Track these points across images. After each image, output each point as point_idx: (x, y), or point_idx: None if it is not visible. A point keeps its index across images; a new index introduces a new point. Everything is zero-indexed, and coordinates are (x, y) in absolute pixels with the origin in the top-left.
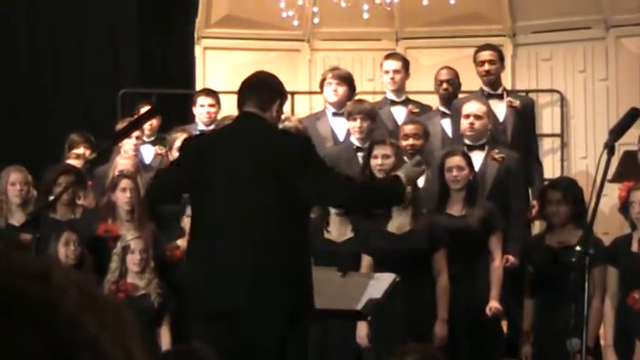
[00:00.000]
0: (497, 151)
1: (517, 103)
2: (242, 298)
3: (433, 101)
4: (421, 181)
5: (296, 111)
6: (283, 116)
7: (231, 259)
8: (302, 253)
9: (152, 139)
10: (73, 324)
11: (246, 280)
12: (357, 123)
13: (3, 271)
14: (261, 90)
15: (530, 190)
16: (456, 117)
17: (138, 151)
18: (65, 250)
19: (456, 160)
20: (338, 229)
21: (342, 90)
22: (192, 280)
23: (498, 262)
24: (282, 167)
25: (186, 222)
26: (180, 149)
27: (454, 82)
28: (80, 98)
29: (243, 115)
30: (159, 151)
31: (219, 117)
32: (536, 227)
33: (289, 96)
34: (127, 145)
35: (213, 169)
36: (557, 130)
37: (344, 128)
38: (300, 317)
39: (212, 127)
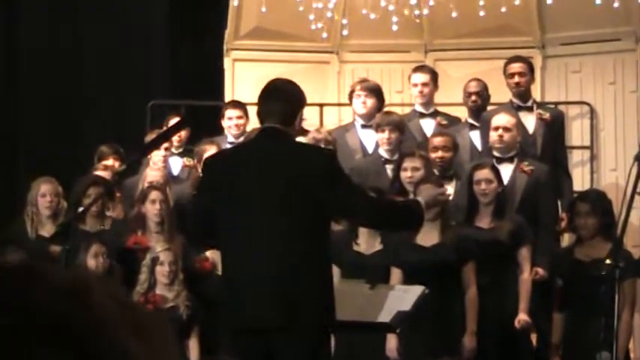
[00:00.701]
0: (526, 163)
1: (547, 115)
2: (270, 315)
3: (462, 113)
4: (450, 194)
5: (325, 123)
6: (313, 128)
7: (258, 275)
8: (326, 266)
9: (180, 150)
10: (115, 342)
11: (273, 296)
12: (386, 135)
13: (40, 289)
14: (283, 103)
15: (559, 203)
16: (485, 129)
17: (166, 162)
18: (94, 262)
19: (484, 173)
20: (367, 242)
21: (370, 102)
22: (222, 295)
23: (527, 275)
24: (306, 182)
25: None
26: (203, 170)
27: (483, 94)
28: (110, 110)
29: (265, 131)
30: (187, 163)
31: (248, 129)
32: (565, 240)
33: (318, 108)
34: (156, 156)
35: (237, 186)
36: (587, 143)
37: (373, 140)
38: (326, 330)
39: (241, 139)
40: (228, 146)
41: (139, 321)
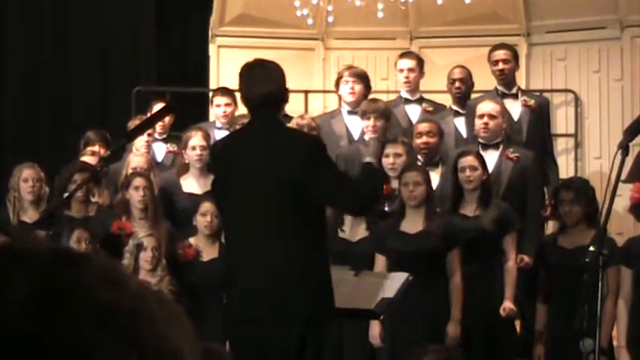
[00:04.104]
0: (512, 150)
1: (532, 102)
2: (260, 305)
3: (448, 101)
4: (435, 181)
5: (310, 109)
6: (297, 115)
7: (251, 266)
8: (318, 255)
9: (164, 136)
10: (159, 334)
11: (263, 287)
12: (371, 122)
13: (84, 273)
14: (269, 87)
15: (545, 190)
16: (470, 117)
17: (150, 148)
18: (77, 247)
19: (469, 161)
20: (352, 228)
21: (358, 88)
22: (223, 285)
23: (512, 263)
24: (292, 173)
25: (198, 220)
26: (210, 159)
27: (467, 81)
28: (95, 96)
29: (256, 119)
30: (170, 149)
31: (236, 114)
32: (550, 227)
33: (303, 94)
34: (139, 142)
35: (233, 176)
36: (572, 130)
37: (359, 126)
38: (318, 320)
39: (228, 126)
40: (217, 132)
41: (175, 314)
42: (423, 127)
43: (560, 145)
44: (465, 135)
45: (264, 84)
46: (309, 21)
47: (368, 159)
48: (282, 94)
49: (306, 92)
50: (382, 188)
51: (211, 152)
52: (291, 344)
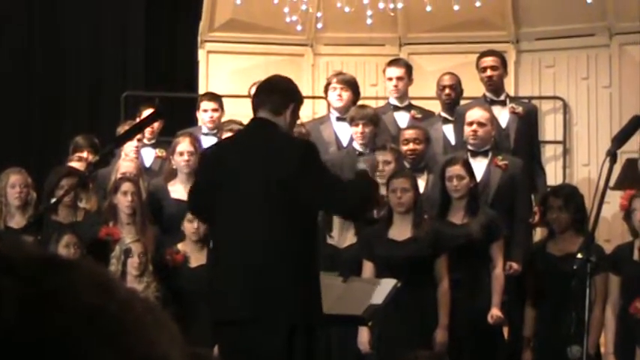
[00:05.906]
0: (500, 157)
1: (520, 109)
2: (247, 308)
3: (436, 107)
4: (421, 188)
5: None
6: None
7: (238, 268)
8: (308, 260)
9: (153, 142)
10: (147, 340)
11: (251, 289)
12: (360, 128)
13: (71, 279)
14: (274, 94)
15: (533, 197)
16: (459, 123)
17: (139, 153)
18: (65, 253)
19: (456, 170)
20: (340, 235)
21: (346, 95)
22: (209, 287)
23: (499, 270)
24: (285, 176)
25: (186, 226)
26: (198, 164)
27: (456, 88)
28: (84, 101)
29: (254, 122)
30: (159, 154)
31: (223, 120)
32: (538, 234)
33: None
34: (129, 147)
35: (224, 179)
36: (560, 137)
37: (348, 133)
38: (306, 324)
39: (215, 131)
40: (203, 138)
41: (162, 320)
42: (410, 133)
43: (549, 151)
44: (453, 142)
45: (267, 91)
46: (299, 27)
47: (362, 166)
48: (281, 104)
49: None
50: (374, 195)
51: (202, 156)
52: (279, 347)
